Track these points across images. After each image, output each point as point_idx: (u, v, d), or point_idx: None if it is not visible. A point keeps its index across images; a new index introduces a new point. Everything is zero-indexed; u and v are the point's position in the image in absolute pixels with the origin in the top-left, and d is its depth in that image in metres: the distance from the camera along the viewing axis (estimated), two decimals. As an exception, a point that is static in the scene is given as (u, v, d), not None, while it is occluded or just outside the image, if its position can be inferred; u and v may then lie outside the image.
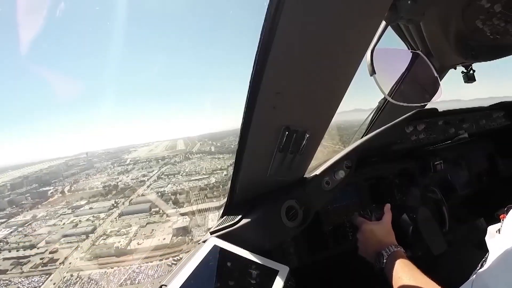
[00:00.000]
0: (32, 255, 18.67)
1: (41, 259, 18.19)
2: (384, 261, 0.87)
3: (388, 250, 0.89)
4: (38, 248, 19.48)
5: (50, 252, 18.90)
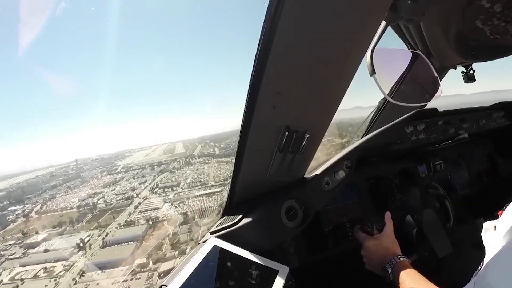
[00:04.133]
0: None
1: None
2: (390, 274, 0.87)
3: (391, 262, 0.89)
4: None
5: None
